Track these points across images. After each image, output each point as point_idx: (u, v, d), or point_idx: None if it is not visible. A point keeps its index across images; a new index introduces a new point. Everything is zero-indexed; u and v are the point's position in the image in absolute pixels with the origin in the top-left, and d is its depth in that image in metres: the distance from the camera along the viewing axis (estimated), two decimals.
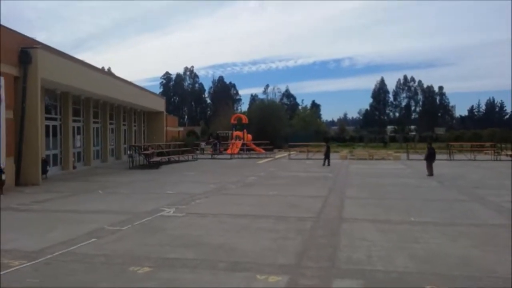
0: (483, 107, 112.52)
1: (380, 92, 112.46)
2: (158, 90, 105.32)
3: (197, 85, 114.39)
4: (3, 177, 13.23)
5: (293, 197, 12.23)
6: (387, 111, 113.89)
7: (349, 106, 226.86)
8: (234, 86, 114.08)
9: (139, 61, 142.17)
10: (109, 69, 73.84)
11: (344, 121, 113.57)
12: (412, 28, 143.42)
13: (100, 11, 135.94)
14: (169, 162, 26.06)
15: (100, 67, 44.89)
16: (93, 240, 7.18)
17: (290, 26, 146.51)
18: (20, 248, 6.67)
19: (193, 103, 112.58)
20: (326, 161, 24.33)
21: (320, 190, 13.73)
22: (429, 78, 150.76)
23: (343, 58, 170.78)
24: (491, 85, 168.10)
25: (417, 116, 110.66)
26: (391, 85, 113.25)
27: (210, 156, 32.91)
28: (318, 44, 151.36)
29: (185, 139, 43.30)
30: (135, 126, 31.66)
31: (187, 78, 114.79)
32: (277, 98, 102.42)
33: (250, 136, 39.31)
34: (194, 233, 7.71)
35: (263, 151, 36.27)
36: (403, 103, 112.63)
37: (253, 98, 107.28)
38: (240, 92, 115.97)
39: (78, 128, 22.67)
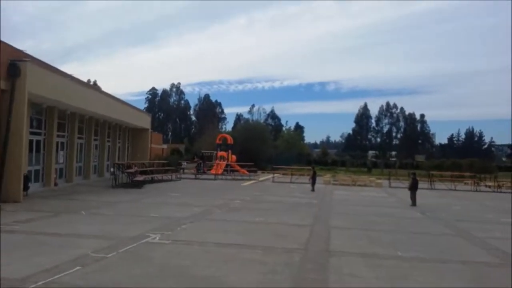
0: (462, 136, 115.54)
1: (363, 117, 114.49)
2: (143, 105, 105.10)
3: (182, 101, 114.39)
4: None
5: (279, 225, 12.20)
6: (369, 136, 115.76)
7: (332, 129, 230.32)
8: (220, 104, 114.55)
9: (126, 75, 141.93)
10: (95, 82, 73.40)
11: (326, 144, 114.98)
12: (399, 54, 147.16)
13: (90, 20, 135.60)
14: (152, 181, 25.74)
15: (86, 80, 44.74)
16: (77, 268, 6.98)
17: (277, 46, 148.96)
18: (4, 275, 6.43)
19: (177, 119, 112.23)
20: (313, 186, 24.45)
21: (306, 218, 13.75)
22: (410, 105, 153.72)
23: (328, 81, 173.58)
24: (470, 114, 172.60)
25: (397, 142, 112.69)
26: (374, 111, 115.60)
27: (194, 176, 32.68)
28: (305, 67, 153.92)
29: (168, 157, 42.98)
30: (119, 142, 31.26)
31: (173, 94, 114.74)
32: (262, 119, 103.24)
33: (234, 157, 39.30)
34: (181, 263, 7.59)
35: (247, 172, 36.32)
36: (385, 129, 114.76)
37: (238, 117, 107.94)
38: (226, 110, 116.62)
39: (62, 143, 22.25)
